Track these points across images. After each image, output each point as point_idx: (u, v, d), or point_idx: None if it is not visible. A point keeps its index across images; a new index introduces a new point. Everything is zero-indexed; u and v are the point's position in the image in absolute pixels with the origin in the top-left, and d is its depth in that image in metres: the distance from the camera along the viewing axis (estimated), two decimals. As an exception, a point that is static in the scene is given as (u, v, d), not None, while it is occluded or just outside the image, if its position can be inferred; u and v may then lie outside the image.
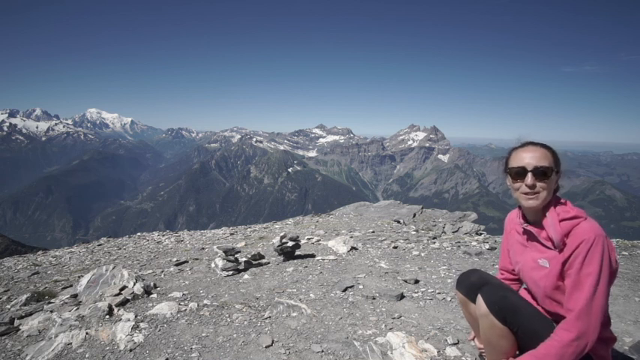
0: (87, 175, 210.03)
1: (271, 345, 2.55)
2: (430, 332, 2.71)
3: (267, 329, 2.80)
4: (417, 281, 3.84)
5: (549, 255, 1.61)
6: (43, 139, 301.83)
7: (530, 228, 1.69)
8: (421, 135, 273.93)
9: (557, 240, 1.55)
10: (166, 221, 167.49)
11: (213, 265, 4.85)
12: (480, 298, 1.70)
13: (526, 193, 1.62)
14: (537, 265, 1.66)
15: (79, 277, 5.15)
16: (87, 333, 2.75)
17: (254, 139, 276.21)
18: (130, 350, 2.52)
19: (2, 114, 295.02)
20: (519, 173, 1.63)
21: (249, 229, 9.81)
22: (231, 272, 4.45)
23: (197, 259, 5.77)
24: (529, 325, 1.61)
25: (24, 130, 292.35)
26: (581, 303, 1.46)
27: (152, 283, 3.90)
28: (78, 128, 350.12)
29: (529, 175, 1.60)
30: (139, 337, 2.67)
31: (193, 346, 2.55)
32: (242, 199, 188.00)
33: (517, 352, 1.70)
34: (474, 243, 5.80)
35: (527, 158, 1.62)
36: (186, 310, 3.15)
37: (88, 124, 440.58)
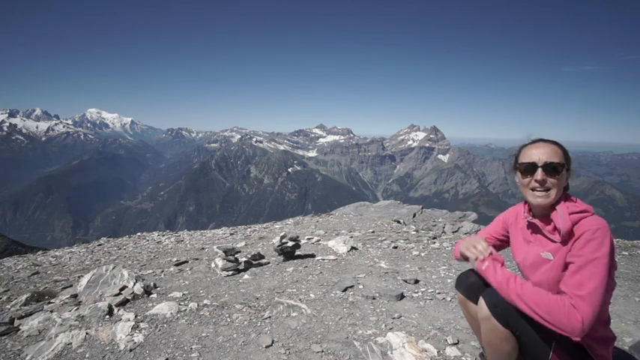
0: (87, 175, 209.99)
1: (271, 345, 2.55)
2: (430, 332, 2.71)
3: (267, 329, 2.80)
4: (417, 281, 3.84)
5: (553, 247, 1.60)
6: (43, 139, 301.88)
7: (534, 221, 1.68)
8: (421, 135, 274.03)
9: (565, 230, 1.53)
10: (166, 221, 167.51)
11: (213, 265, 4.85)
12: (481, 301, 1.68)
13: (535, 190, 1.61)
14: (540, 258, 1.64)
15: (79, 277, 5.15)
16: (87, 333, 2.75)
17: (254, 139, 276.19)
18: (130, 350, 2.52)
19: (2, 114, 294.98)
20: (529, 169, 1.62)
21: (249, 229, 9.81)
22: (231, 272, 4.45)
23: (197, 259, 5.77)
24: (531, 329, 1.58)
25: (24, 130, 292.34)
26: (590, 286, 1.41)
27: (152, 283, 3.90)
28: (78, 128, 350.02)
29: (539, 170, 1.58)
30: (139, 337, 2.67)
31: (193, 346, 2.55)
32: (242, 199, 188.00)
33: (518, 356, 1.69)
34: (473, 243, 5.80)
35: (538, 154, 1.61)
36: (186, 310, 3.15)
37: (88, 124, 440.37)
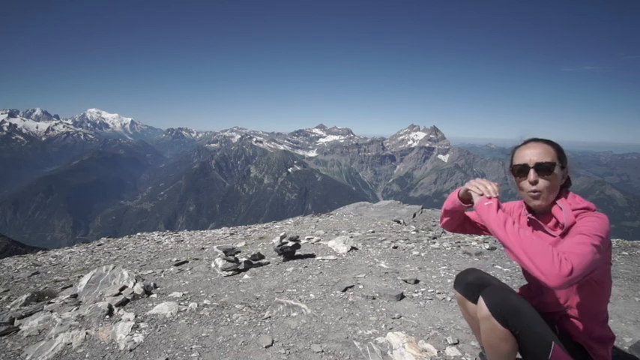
0: (87, 175, 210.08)
1: (271, 345, 2.55)
2: (430, 332, 2.71)
3: (267, 329, 2.80)
4: (417, 281, 3.84)
5: (553, 241, 1.59)
6: (43, 139, 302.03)
7: (535, 218, 1.69)
8: (421, 135, 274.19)
9: (569, 225, 1.53)
10: (166, 221, 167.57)
11: (213, 265, 4.85)
12: (481, 301, 1.67)
13: (530, 191, 1.61)
14: None
15: (79, 277, 5.16)
16: (87, 333, 2.75)
17: (254, 139, 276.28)
18: (130, 350, 2.52)
19: (2, 114, 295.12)
20: (522, 170, 1.62)
21: (249, 229, 9.81)
22: (231, 272, 4.45)
23: (197, 259, 5.77)
24: (530, 328, 1.58)
25: (24, 130, 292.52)
26: (581, 248, 1.35)
27: (152, 283, 3.90)
28: (78, 128, 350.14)
29: (531, 171, 1.58)
30: (139, 337, 2.67)
31: (193, 346, 2.55)
32: (242, 199, 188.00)
33: (518, 356, 1.68)
34: (474, 243, 5.80)
35: (529, 155, 1.61)
36: (186, 310, 3.15)
37: (88, 124, 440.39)
